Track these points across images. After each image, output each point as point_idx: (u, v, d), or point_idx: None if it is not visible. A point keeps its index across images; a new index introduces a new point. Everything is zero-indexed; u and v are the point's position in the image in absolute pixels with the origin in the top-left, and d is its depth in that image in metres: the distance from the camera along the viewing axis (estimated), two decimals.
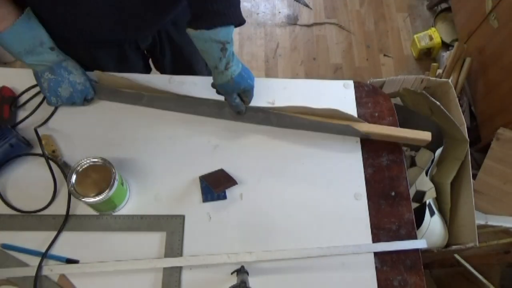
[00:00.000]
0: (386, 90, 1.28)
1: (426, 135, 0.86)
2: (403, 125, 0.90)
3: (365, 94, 0.94)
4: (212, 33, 0.67)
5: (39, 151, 0.81)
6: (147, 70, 1.11)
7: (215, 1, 0.66)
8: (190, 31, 0.68)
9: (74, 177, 0.72)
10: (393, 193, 0.84)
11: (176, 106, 0.88)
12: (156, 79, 0.91)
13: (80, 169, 0.73)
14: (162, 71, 1.12)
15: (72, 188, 0.71)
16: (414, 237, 0.81)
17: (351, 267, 0.77)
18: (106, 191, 0.71)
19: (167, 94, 0.87)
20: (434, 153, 1.19)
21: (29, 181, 0.81)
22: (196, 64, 1.10)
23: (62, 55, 0.81)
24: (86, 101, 0.86)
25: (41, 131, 0.84)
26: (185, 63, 1.07)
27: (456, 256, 1.21)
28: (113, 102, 0.88)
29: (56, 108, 0.87)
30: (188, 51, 1.04)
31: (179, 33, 0.97)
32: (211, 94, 0.84)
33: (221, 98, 0.85)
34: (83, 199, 0.71)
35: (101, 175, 0.73)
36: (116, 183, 0.72)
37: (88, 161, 0.73)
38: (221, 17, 0.67)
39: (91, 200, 0.71)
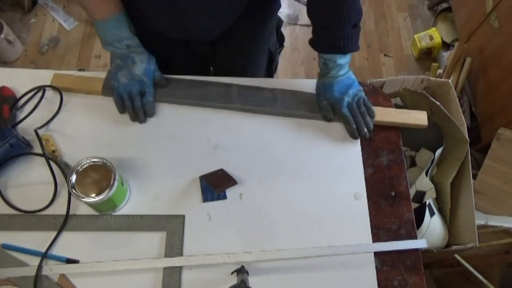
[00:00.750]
0: (386, 90, 1.28)
1: (423, 115, 0.90)
2: None
3: (365, 94, 0.93)
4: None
5: (39, 151, 0.81)
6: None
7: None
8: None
9: (74, 177, 0.72)
10: (393, 193, 0.84)
11: (184, 89, 0.89)
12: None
13: (80, 169, 0.73)
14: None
15: (72, 188, 0.71)
16: (414, 237, 0.81)
17: (351, 267, 0.77)
18: (106, 191, 0.71)
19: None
20: (434, 153, 1.19)
21: (29, 181, 0.81)
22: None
23: (137, 48, 0.85)
24: (142, 96, 0.86)
25: (41, 131, 0.84)
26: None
27: (456, 256, 1.21)
28: (113, 103, 0.88)
29: (58, 110, 0.87)
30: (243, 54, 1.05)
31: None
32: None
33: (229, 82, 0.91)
34: (83, 199, 0.71)
35: (101, 175, 0.73)
36: (116, 183, 0.72)
37: (88, 161, 0.73)
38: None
39: (91, 200, 0.71)
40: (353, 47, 0.82)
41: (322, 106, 0.88)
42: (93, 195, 0.71)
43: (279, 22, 1.07)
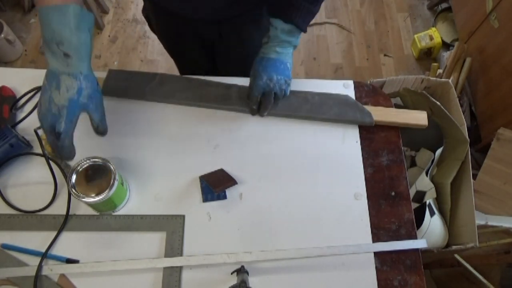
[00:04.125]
0: (386, 90, 1.28)
1: (423, 115, 0.90)
2: None
3: (365, 94, 0.94)
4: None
5: (39, 151, 0.81)
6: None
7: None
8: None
9: (74, 177, 0.72)
10: (393, 193, 0.84)
11: (184, 90, 0.89)
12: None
13: (80, 169, 0.73)
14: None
15: (72, 188, 0.71)
16: (414, 237, 0.81)
17: (351, 267, 0.77)
18: (106, 191, 0.71)
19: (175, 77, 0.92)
20: (434, 153, 1.19)
21: (29, 181, 0.81)
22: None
23: (72, 67, 0.67)
24: (58, 138, 0.67)
25: (41, 131, 0.83)
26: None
27: (456, 256, 1.21)
28: (113, 102, 0.88)
29: None
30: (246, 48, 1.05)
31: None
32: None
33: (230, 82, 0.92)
34: (83, 199, 0.71)
35: (101, 175, 0.73)
36: (116, 183, 0.72)
37: (88, 161, 0.73)
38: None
39: (91, 200, 0.71)
40: (298, 20, 0.79)
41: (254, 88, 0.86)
42: (93, 195, 0.71)
43: None
